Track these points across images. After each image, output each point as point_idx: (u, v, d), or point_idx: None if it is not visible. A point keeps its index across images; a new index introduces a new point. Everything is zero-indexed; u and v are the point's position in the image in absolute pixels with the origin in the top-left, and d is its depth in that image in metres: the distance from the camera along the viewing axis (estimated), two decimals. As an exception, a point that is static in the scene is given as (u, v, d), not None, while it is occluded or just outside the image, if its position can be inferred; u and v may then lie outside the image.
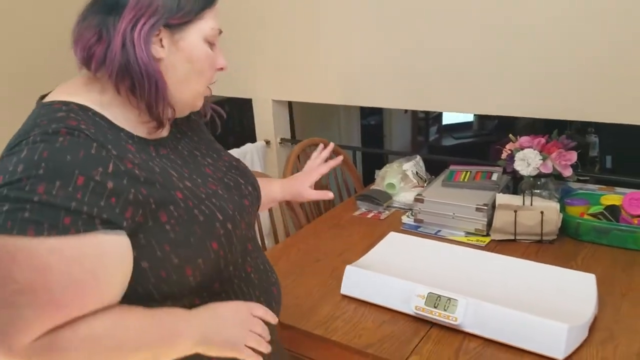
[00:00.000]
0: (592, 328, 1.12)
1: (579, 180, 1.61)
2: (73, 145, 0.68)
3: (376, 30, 2.13)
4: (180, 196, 0.78)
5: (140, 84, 0.74)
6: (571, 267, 1.35)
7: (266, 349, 0.85)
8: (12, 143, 0.71)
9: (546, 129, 1.73)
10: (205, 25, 0.80)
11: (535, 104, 1.87)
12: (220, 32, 0.84)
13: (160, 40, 0.77)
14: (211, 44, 0.83)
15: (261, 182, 1.16)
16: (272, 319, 0.87)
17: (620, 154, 3.55)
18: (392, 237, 1.53)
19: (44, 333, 0.66)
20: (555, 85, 1.81)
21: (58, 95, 0.76)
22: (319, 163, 1.29)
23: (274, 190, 1.24)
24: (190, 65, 0.80)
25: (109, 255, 0.68)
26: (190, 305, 0.82)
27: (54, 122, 0.70)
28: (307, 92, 2.44)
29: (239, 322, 0.83)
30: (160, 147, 0.84)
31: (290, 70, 2.43)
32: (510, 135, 1.65)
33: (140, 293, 0.76)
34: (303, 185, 1.24)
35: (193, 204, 0.79)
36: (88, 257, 0.67)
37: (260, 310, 0.86)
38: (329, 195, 1.23)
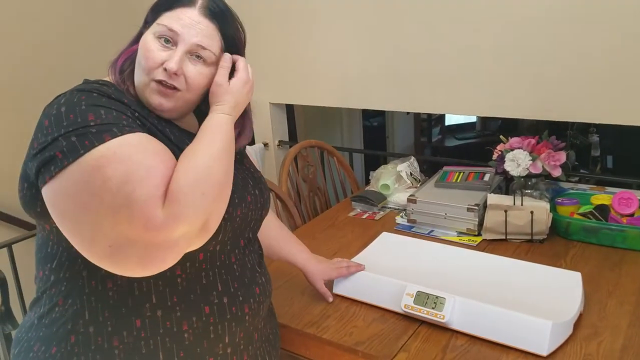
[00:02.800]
0: (577, 325, 1.14)
1: (569, 181, 1.63)
2: (102, 96, 0.82)
3: (372, 33, 2.15)
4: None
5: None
6: (560, 266, 1.37)
7: None
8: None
9: (550, 129, 1.72)
10: (157, 24, 0.89)
11: (531, 105, 1.88)
12: (172, 30, 0.87)
13: None
14: (163, 44, 0.88)
15: (290, 240, 1.30)
16: None
17: (621, 154, 3.55)
18: (385, 237, 1.56)
19: (161, 197, 0.75)
20: (551, 86, 1.82)
21: None
22: (346, 267, 1.34)
23: (298, 257, 1.30)
24: (138, 59, 0.90)
25: (153, 140, 0.81)
26: (173, 274, 0.86)
27: (90, 84, 0.85)
28: (303, 94, 2.48)
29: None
30: (185, 135, 0.94)
31: (287, 73, 2.46)
32: (502, 137, 1.66)
33: None
34: (321, 276, 1.31)
35: None
36: (143, 141, 0.79)
37: None
38: (329, 299, 1.32)
